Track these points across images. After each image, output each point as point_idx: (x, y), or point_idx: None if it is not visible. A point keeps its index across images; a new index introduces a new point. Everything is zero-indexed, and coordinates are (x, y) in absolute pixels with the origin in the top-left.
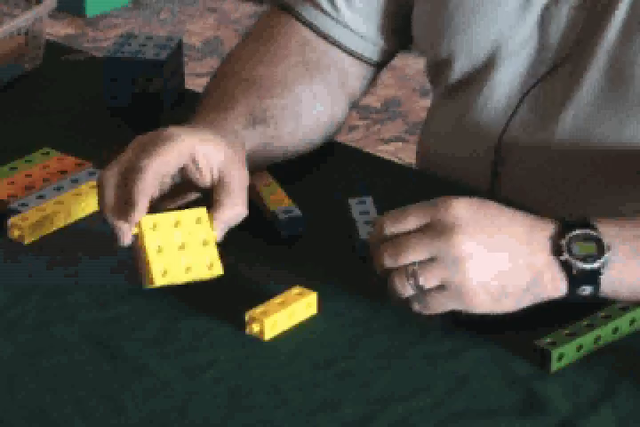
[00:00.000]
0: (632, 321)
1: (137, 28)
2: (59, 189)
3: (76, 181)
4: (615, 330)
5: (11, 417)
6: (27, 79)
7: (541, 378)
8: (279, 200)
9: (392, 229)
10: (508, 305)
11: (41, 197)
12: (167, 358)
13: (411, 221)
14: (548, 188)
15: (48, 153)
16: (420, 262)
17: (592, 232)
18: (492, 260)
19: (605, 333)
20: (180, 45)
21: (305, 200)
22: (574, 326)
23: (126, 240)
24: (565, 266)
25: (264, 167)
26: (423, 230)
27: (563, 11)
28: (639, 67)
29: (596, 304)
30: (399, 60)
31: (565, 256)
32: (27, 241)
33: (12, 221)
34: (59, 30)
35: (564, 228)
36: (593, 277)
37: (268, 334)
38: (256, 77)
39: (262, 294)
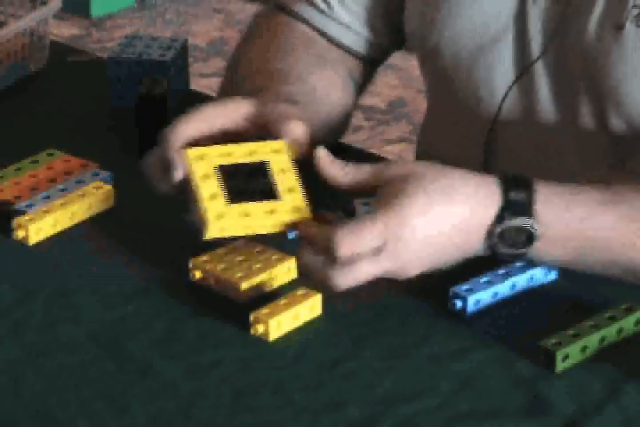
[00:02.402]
0: (637, 322)
1: (142, 29)
2: (64, 189)
3: (81, 182)
4: (620, 331)
5: (16, 417)
6: (32, 80)
7: (546, 379)
8: None
9: (346, 251)
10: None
11: (46, 197)
12: (172, 358)
13: (365, 244)
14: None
15: (53, 154)
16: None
17: (527, 223)
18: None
19: (610, 333)
20: (185, 47)
21: (310, 201)
22: (579, 327)
23: (179, 174)
24: (492, 248)
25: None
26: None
27: (541, 4)
28: (610, 62)
29: (600, 305)
30: (404, 62)
31: (495, 240)
32: (32, 242)
33: (17, 221)
34: (64, 31)
35: (500, 213)
36: (517, 257)
37: (273, 335)
38: (274, 70)
39: (267, 295)
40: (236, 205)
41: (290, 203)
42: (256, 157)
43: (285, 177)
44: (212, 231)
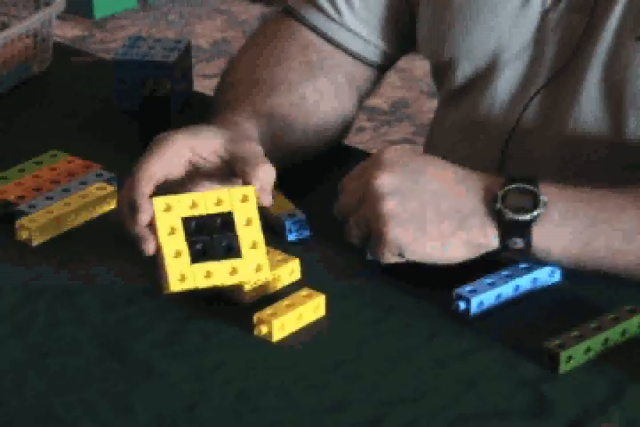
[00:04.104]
0: None
1: (145, 30)
2: (67, 190)
3: (84, 183)
4: (624, 332)
5: (19, 418)
6: (35, 81)
7: (550, 380)
8: (280, 203)
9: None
10: (435, 249)
11: (49, 198)
12: (175, 359)
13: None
14: None
15: (56, 155)
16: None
17: (531, 187)
18: (411, 199)
19: (614, 335)
20: (188, 48)
21: (313, 202)
22: (583, 328)
23: (150, 247)
24: (497, 215)
25: (280, 164)
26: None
27: (561, 16)
28: (631, 71)
29: (604, 306)
30: (407, 62)
31: (498, 205)
32: (35, 243)
33: (20, 222)
34: (67, 32)
35: (505, 180)
36: (524, 228)
37: (277, 336)
38: (259, 79)
39: (271, 296)
40: (198, 265)
41: (252, 261)
42: (223, 206)
43: (249, 230)
44: (173, 288)
